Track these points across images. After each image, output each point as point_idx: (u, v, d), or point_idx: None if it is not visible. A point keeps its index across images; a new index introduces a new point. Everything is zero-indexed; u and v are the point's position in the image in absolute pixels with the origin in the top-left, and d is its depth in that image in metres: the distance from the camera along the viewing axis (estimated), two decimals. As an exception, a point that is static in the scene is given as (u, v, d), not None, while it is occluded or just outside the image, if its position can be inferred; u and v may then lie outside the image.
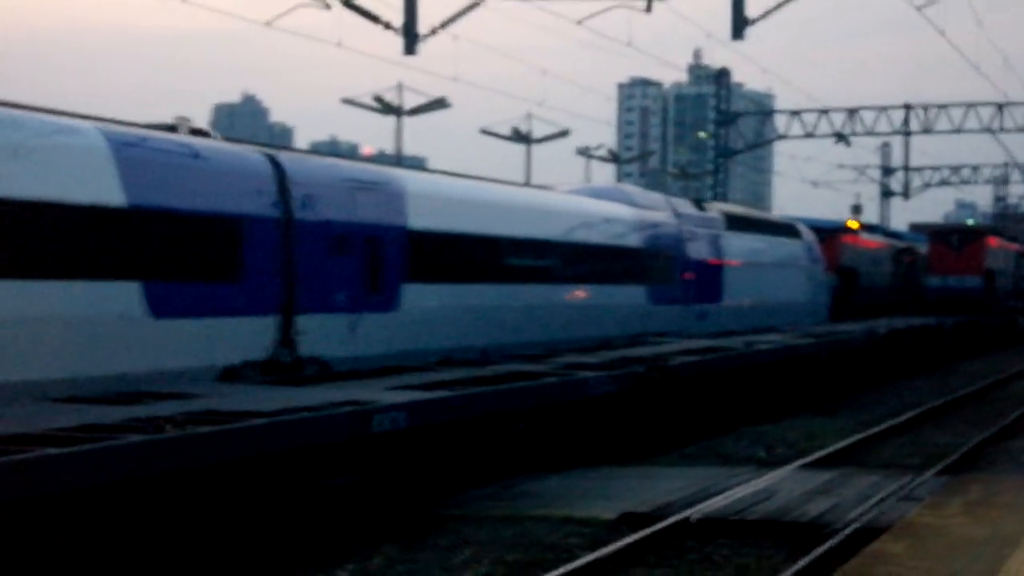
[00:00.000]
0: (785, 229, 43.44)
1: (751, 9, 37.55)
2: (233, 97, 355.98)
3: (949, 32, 43.28)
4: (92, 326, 16.20)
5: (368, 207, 21.45)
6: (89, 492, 11.13)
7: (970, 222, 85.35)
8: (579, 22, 36.36)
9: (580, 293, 28.77)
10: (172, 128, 19.66)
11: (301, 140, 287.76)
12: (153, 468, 11.59)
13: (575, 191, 33.26)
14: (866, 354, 35.13)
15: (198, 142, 19.06)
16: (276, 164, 19.80)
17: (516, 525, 15.44)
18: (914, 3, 39.59)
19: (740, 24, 37.07)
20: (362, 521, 15.53)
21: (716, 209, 38.37)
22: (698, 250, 35.04)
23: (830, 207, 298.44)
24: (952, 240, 56.84)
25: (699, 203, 37.98)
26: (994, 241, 58.31)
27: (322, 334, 20.12)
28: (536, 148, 67.90)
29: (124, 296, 16.67)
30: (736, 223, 38.52)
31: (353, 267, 20.94)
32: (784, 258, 41.83)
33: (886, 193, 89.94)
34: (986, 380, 37.65)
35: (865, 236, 58.07)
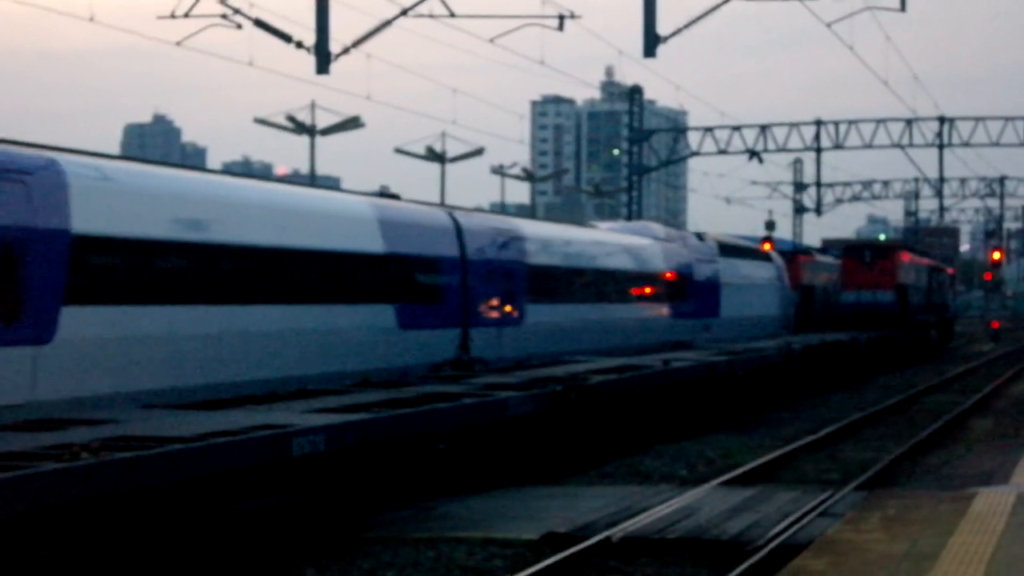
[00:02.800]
0: (761, 254, 50.80)
1: (663, 27, 37.75)
2: (144, 117, 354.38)
3: (858, 48, 43.85)
4: (370, 335, 23.11)
5: (505, 248, 28.68)
6: (3, 521, 10.95)
7: (882, 237, 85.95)
8: (491, 40, 36.41)
9: (630, 310, 36.29)
10: (381, 194, 27.90)
11: (214, 160, 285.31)
12: (68, 495, 11.42)
13: (614, 228, 40.90)
14: (782, 370, 35.45)
15: (409, 205, 26.69)
16: (454, 218, 27.06)
17: (437, 547, 15.37)
18: (823, 19, 39.98)
19: (652, 42, 37.23)
20: (283, 545, 15.41)
21: (711, 238, 44.52)
22: (702, 274, 41.42)
23: (744, 223, 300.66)
24: (864, 255, 57.24)
25: (699, 235, 44.33)
26: (906, 256, 58.83)
27: (483, 342, 27.14)
28: (451, 166, 67.64)
29: (386, 315, 23.76)
30: (726, 250, 44.92)
31: (498, 293, 28.10)
32: (761, 279, 48.66)
33: (799, 209, 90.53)
34: (901, 394, 38.05)
35: (820, 257, 63.85)
